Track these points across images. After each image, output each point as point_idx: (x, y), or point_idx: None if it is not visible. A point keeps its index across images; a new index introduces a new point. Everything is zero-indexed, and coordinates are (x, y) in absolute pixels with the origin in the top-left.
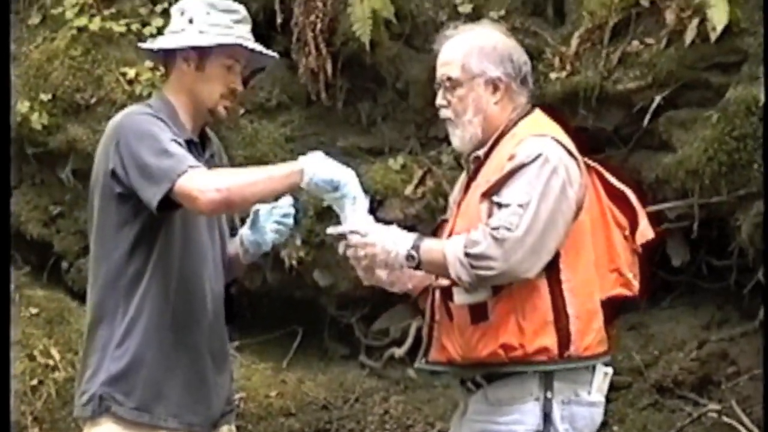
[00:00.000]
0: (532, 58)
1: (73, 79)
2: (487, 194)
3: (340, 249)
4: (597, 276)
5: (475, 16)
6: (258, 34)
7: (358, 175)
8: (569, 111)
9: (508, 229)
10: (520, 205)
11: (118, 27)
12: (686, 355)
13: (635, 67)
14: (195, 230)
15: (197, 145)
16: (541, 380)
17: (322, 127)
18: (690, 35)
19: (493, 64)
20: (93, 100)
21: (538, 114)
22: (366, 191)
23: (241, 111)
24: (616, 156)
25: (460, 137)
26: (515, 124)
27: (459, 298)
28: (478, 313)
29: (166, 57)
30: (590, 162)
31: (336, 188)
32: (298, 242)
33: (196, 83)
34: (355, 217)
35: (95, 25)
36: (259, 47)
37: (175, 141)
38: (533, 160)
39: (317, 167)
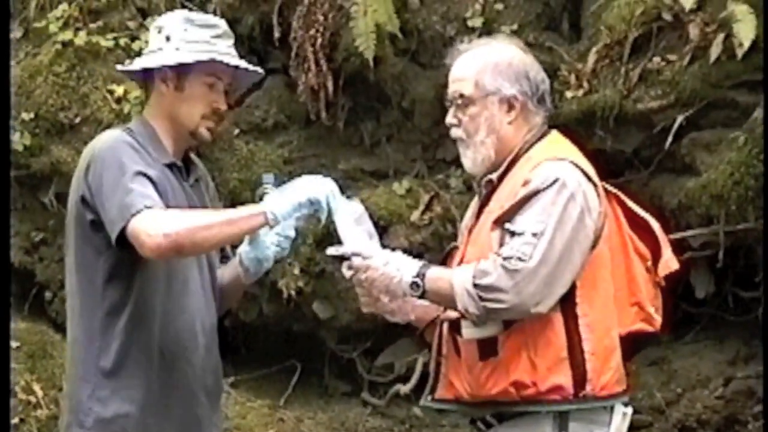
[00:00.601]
0: (547, 75)
1: (57, 97)
2: (500, 221)
3: (344, 271)
4: (616, 310)
5: (485, 31)
6: (254, 50)
7: (362, 201)
8: (586, 132)
9: (521, 260)
10: (535, 234)
11: (105, 41)
12: (711, 392)
13: (656, 85)
14: (180, 261)
15: (181, 170)
16: (555, 420)
17: (323, 148)
18: (715, 51)
19: (509, 81)
20: (78, 120)
21: (555, 135)
22: (368, 212)
23: (236, 131)
24: (635, 180)
25: (471, 159)
26: (531, 146)
27: (467, 332)
28: (487, 348)
29: (145, 78)
30: (610, 188)
31: (312, 206)
32: (297, 271)
33: (176, 104)
34: (354, 236)
35: (81, 39)
36: (240, 63)
37: (144, 174)
38: (549, 186)
39: (276, 202)
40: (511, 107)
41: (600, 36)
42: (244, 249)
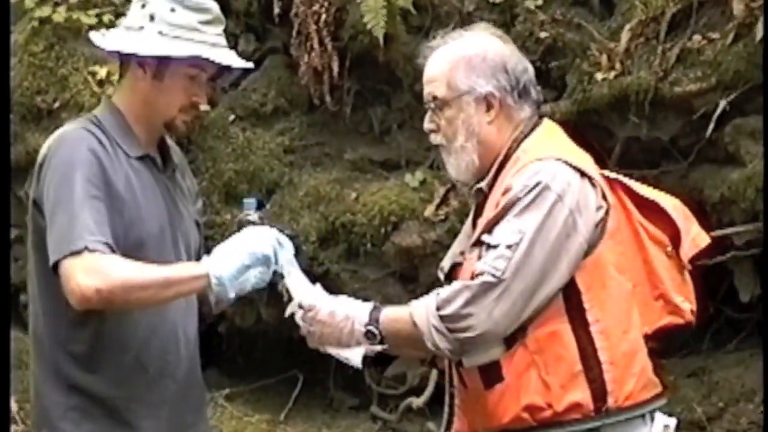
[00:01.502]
0: (575, 55)
1: (33, 80)
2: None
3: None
4: (637, 308)
5: (507, 6)
6: (251, 27)
7: (371, 195)
8: (618, 117)
9: (494, 275)
10: (509, 246)
11: (87, 18)
12: (756, 406)
13: (696, 66)
14: (161, 259)
15: (155, 161)
16: None
17: (327, 136)
18: (761, 29)
19: (483, 77)
20: (57, 104)
21: (545, 128)
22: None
23: (231, 117)
24: (673, 171)
25: (454, 166)
26: (520, 144)
27: (466, 360)
28: (491, 374)
29: (121, 56)
30: (612, 174)
31: (260, 262)
32: None
33: (152, 93)
34: (298, 288)
35: (60, 15)
36: (230, 60)
37: (97, 198)
38: (529, 191)
39: (221, 264)
40: (489, 106)
41: (634, 12)
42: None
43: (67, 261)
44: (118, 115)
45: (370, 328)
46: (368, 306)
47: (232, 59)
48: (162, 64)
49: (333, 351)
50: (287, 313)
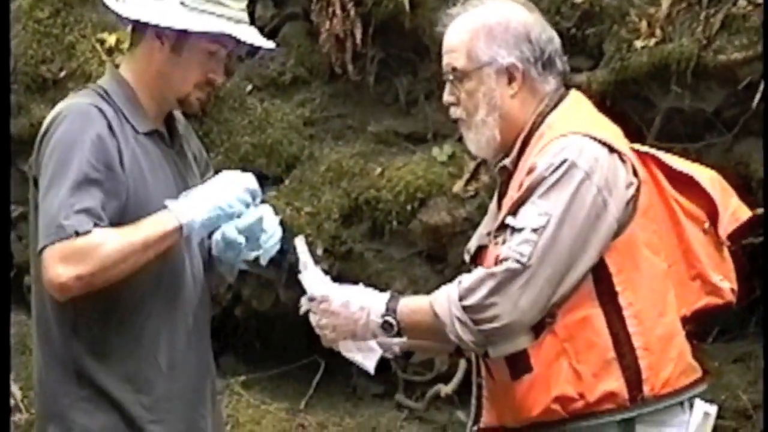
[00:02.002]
0: (613, 21)
1: (38, 48)
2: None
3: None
4: (672, 289)
5: None
6: None
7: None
8: (659, 88)
9: (518, 262)
10: (535, 230)
11: None
12: None
13: (742, 33)
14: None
15: (163, 136)
16: (619, 430)
17: (349, 107)
18: None
19: (505, 48)
20: (63, 74)
21: (572, 100)
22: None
23: (249, 87)
24: (717, 144)
25: (474, 141)
26: (545, 118)
27: (493, 351)
28: (518, 365)
29: (135, 24)
30: (643, 148)
31: (230, 216)
32: (320, 252)
33: (168, 66)
34: (311, 280)
35: None
36: (255, 38)
37: (95, 182)
38: (555, 170)
39: (189, 209)
40: (511, 78)
41: None
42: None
43: (48, 250)
44: (127, 87)
45: (387, 318)
46: (384, 296)
47: (257, 38)
48: (181, 37)
49: (347, 353)
50: (302, 310)
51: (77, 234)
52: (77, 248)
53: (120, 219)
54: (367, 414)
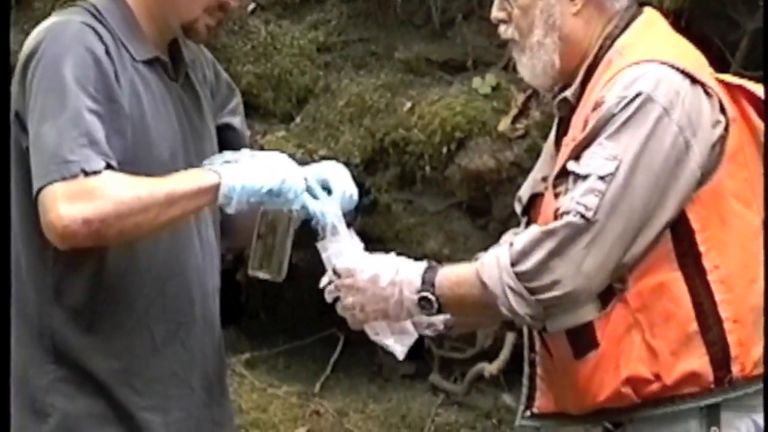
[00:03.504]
0: None
1: None
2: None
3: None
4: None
5: None
6: None
7: (430, 105)
8: (745, 5)
9: (583, 216)
10: (602, 177)
11: None
12: None
13: None
14: None
15: (166, 66)
16: (702, 417)
17: (373, 30)
18: None
19: None
20: None
21: (644, 22)
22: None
23: (251, 7)
24: None
25: (529, 67)
26: (613, 42)
27: (552, 324)
28: (582, 341)
29: None
30: (731, 80)
31: (278, 195)
32: None
33: None
34: (335, 245)
35: None
36: None
37: (94, 112)
38: (626, 105)
39: (239, 175)
40: None
41: None
42: None
43: (47, 190)
44: (124, 7)
45: (425, 294)
46: (420, 266)
47: None
48: None
49: (375, 336)
50: (322, 283)
51: (85, 173)
52: (86, 187)
53: (125, 162)
54: (395, 398)
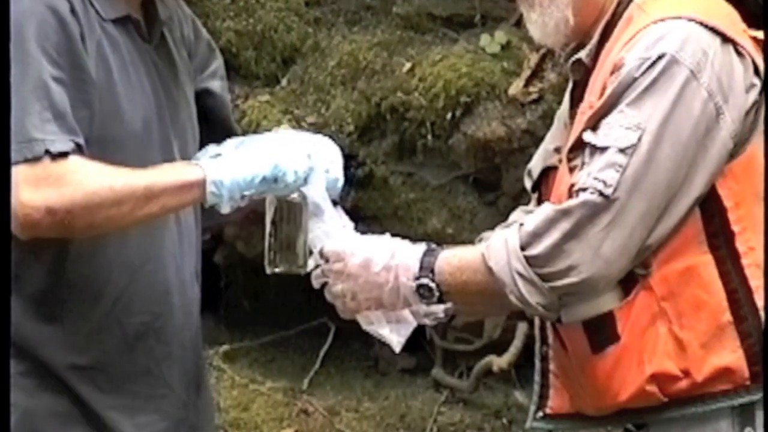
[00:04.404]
0: None
1: None
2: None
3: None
4: None
5: None
6: None
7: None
8: None
9: (601, 194)
10: (623, 150)
11: None
12: None
13: None
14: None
15: (138, 25)
16: (735, 416)
17: None
18: None
19: None
20: None
21: None
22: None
23: None
24: None
25: (539, 25)
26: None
27: (567, 314)
28: (600, 333)
29: None
30: (763, 36)
31: (277, 183)
32: None
33: None
34: (321, 226)
35: None
36: None
37: (58, 80)
38: (649, 68)
39: (224, 168)
40: None
41: None
42: None
43: (13, 169)
44: None
45: (423, 281)
46: (418, 250)
47: None
48: None
49: (368, 326)
50: (308, 267)
51: (51, 155)
52: (52, 172)
53: (93, 133)
54: (393, 396)
